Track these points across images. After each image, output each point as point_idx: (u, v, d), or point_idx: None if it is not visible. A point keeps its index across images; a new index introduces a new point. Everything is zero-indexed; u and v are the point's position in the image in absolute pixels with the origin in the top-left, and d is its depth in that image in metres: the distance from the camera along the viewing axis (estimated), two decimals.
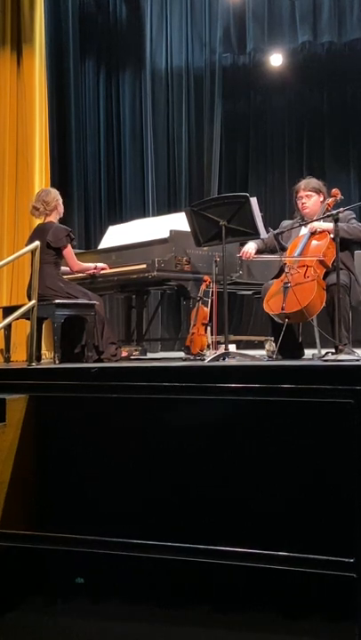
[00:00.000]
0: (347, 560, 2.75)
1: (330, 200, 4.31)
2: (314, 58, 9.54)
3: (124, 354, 5.12)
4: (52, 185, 6.57)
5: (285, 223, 4.67)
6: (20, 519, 3.40)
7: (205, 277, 4.83)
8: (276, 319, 4.18)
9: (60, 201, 4.91)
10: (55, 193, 4.91)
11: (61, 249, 4.70)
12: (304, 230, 4.37)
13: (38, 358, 4.79)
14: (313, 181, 4.58)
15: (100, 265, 5.11)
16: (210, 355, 4.32)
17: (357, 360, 3.53)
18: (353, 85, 9.38)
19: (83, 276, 5.18)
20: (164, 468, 3.25)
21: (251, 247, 4.52)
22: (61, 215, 4.95)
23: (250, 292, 6.13)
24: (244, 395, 3.10)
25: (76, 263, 4.83)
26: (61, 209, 4.93)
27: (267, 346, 5.33)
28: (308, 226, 4.31)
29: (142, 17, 9.23)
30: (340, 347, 3.76)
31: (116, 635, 3.18)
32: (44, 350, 5.70)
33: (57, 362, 4.38)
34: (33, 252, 4.31)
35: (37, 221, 5.10)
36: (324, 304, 4.06)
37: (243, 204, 4.30)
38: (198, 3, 9.38)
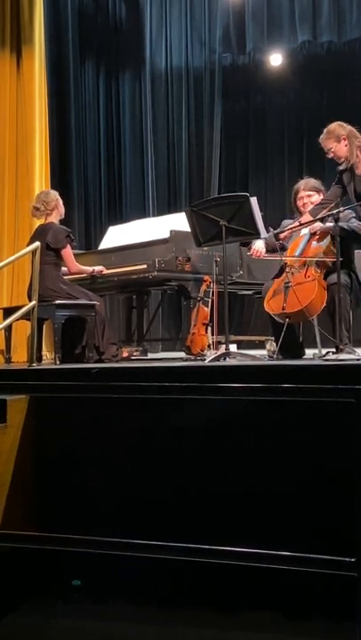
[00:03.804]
0: (348, 560, 2.75)
1: None
2: (313, 57, 9.52)
3: (125, 354, 5.12)
4: (53, 186, 6.58)
5: (286, 222, 4.67)
6: (21, 520, 3.40)
7: (206, 277, 4.83)
8: (276, 319, 4.18)
9: (60, 202, 4.93)
10: (54, 194, 4.95)
11: (60, 250, 4.70)
12: (304, 230, 4.37)
13: (39, 359, 4.79)
14: (312, 181, 4.61)
15: (98, 268, 5.10)
16: (210, 355, 4.32)
17: (358, 359, 3.53)
18: (353, 85, 9.36)
19: (83, 277, 5.17)
20: (165, 469, 3.25)
21: (260, 246, 4.47)
22: (62, 216, 4.97)
23: (250, 292, 6.12)
24: (244, 394, 3.09)
25: (74, 264, 4.83)
26: (62, 209, 4.95)
27: (267, 346, 5.33)
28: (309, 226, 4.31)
29: (142, 17, 9.23)
30: (340, 346, 3.77)
31: (117, 635, 3.18)
32: (44, 351, 5.70)
33: (58, 362, 4.38)
34: (33, 252, 4.31)
35: (38, 222, 5.11)
36: (324, 304, 4.06)
37: (243, 204, 4.30)
38: (198, 3, 9.37)
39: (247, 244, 5.23)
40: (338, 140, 4.06)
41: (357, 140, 4.07)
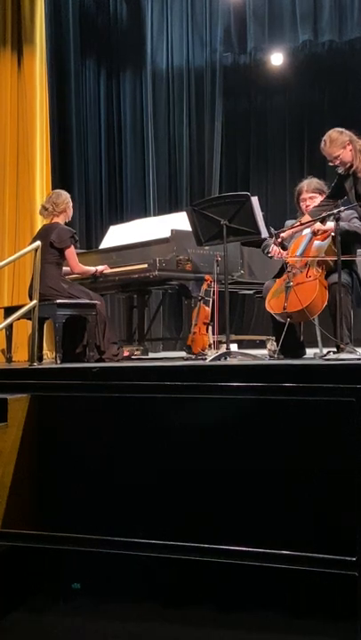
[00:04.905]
0: (349, 559, 2.75)
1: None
2: (314, 57, 9.51)
3: (126, 353, 5.13)
4: (53, 185, 6.58)
5: (290, 223, 4.67)
6: (22, 519, 3.41)
7: (207, 277, 4.83)
8: (277, 318, 4.18)
9: (70, 204, 4.95)
10: (66, 196, 4.95)
11: (64, 249, 4.71)
12: (306, 230, 4.37)
13: (40, 358, 4.79)
14: (315, 182, 4.60)
15: (101, 267, 5.12)
16: (211, 354, 4.32)
17: (359, 359, 3.53)
18: (354, 84, 9.36)
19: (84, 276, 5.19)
20: (167, 468, 3.26)
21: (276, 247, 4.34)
22: (70, 218, 4.99)
23: (251, 292, 6.13)
24: (245, 394, 3.10)
25: (77, 264, 4.85)
26: (70, 212, 4.97)
27: (268, 345, 5.33)
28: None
29: (143, 16, 9.23)
30: (341, 346, 3.77)
31: (119, 634, 3.18)
32: (45, 350, 5.71)
33: (58, 362, 4.39)
34: (34, 251, 4.32)
35: (40, 222, 5.12)
36: (326, 303, 4.05)
37: (244, 204, 4.30)
38: (199, 2, 9.35)
39: (248, 244, 5.24)
40: (343, 147, 4.04)
41: (358, 143, 4.06)
